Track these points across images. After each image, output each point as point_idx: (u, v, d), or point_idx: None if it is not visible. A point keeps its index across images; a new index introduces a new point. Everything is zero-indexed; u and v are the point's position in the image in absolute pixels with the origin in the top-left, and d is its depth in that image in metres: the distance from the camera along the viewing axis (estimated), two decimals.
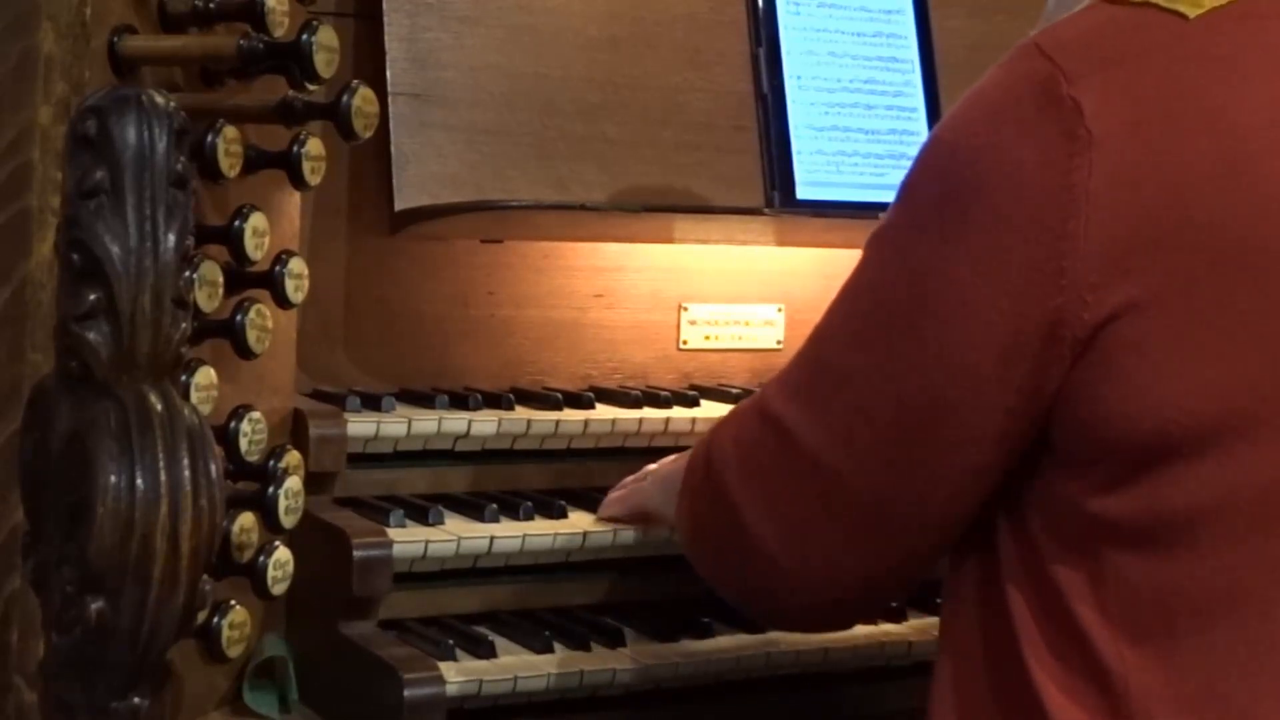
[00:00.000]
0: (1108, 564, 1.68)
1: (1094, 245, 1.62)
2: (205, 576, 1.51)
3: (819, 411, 1.78)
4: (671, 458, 2.23)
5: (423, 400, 2.33)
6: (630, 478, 2.29)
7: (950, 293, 1.68)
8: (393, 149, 2.29)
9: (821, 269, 2.69)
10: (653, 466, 2.27)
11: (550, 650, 2.14)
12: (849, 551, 1.79)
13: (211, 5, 1.95)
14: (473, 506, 2.25)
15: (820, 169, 2.59)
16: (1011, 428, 1.69)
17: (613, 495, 2.27)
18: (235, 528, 1.97)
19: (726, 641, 2.24)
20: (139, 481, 1.44)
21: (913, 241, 1.73)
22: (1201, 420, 1.64)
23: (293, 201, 2.14)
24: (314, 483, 2.13)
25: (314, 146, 2.01)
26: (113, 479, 1.44)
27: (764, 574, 1.84)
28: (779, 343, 2.70)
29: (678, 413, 2.42)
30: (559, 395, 2.40)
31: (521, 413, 2.34)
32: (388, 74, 2.30)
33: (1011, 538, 1.74)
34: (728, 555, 1.89)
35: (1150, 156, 1.63)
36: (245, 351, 1.96)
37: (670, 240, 2.60)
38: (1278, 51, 1.70)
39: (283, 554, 2.02)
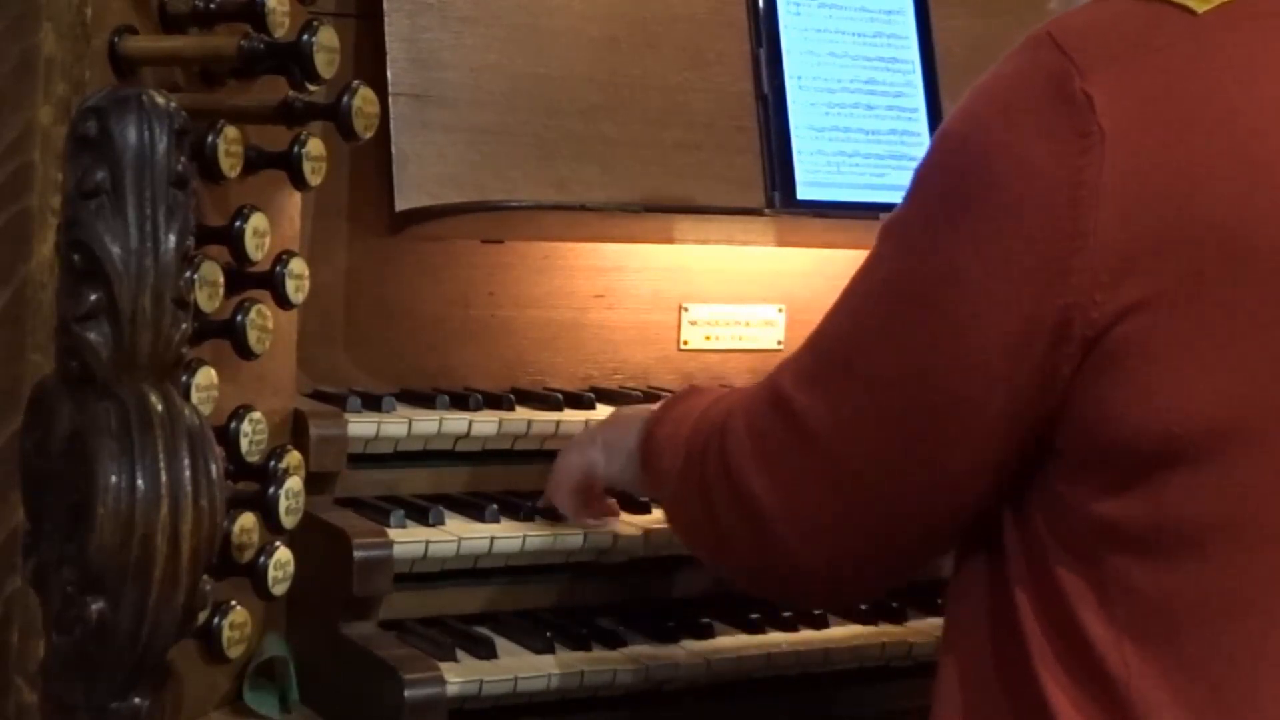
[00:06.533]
0: (1112, 569, 1.67)
1: (1105, 243, 1.60)
2: (206, 577, 1.51)
3: (829, 400, 1.77)
4: (592, 430, 2.22)
5: (423, 400, 2.33)
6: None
7: (961, 288, 1.66)
8: (393, 149, 2.29)
9: (822, 269, 2.69)
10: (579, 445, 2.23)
11: (551, 650, 2.14)
12: (862, 540, 1.79)
13: (212, 5, 1.95)
14: (473, 507, 2.25)
15: (821, 169, 2.59)
16: (1017, 425, 1.68)
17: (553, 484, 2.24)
18: (236, 528, 1.97)
19: (726, 641, 2.24)
20: (139, 482, 1.44)
21: (924, 236, 1.71)
22: (1208, 425, 1.62)
23: (293, 202, 2.14)
24: (314, 483, 2.13)
25: (314, 147, 2.01)
26: (113, 479, 1.44)
27: (776, 559, 1.83)
28: (779, 343, 2.70)
29: None
30: (560, 396, 2.40)
31: (522, 413, 2.34)
32: (388, 74, 2.30)
33: (1018, 539, 1.74)
34: (739, 538, 1.86)
35: (1162, 154, 1.61)
36: (246, 352, 1.96)
37: (671, 240, 2.60)
38: None
39: (283, 554, 2.02)
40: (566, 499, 2.23)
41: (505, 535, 2.18)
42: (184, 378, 1.85)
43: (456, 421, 2.27)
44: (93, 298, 1.46)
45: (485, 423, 2.29)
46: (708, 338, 2.67)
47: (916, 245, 1.72)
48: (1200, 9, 1.66)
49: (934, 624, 2.26)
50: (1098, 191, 1.60)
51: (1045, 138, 1.62)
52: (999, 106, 1.68)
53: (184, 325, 1.50)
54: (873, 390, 1.73)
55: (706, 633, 2.24)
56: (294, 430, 2.17)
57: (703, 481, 1.90)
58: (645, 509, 2.31)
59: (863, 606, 2.35)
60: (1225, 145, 1.62)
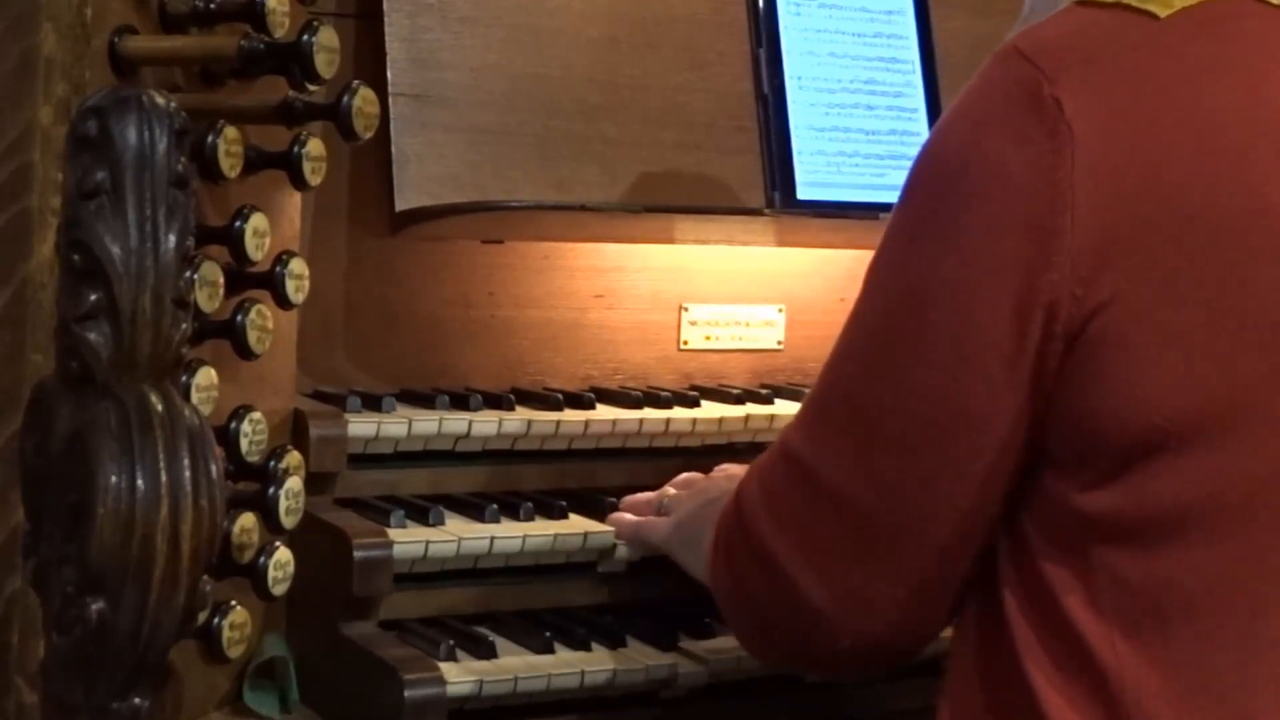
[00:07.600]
0: (1097, 560, 1.69)
1: (1080, 239, 1.63)
2: (206, 577, 1.51)
3: (835, 444, 1.78)
4: (694, 493, 2.18)
5: (423, 401, 2.33)
6: (646, 495, 2.25)
7: (951, 302, 1.69)
8: (393, 149, 2.29)
9: (822, 269, 2.69)
10: (671, 490, 2.23)
11: (550, 651, 2.14)
12: (889, 583, 1.77)
13: (212, 5, 1.95)
14: (473, 507, 2.25)
15: (821, 169, 2.59)
16: (1022, 427, 1.69)
17: (627, 520, 2.23)
18: (236, 528, 1.97)
19: (726, 641, 2.24)
20: (139, 482, 1.45)
21: (909, 257, 1.74)
22: (1188, 414, 1.65)
23: (293, 202, 2.14)
24: (314, 483, 2.13)
25: (314, 147, 2.01)
26: (113, 479, 1.44)
27: (809, 622, 1.81)
28: (779, 343, 2.70)
29: (678, 413, 2.42)
30: (560, 396, 2.40)
31: (522, 413, 2.34)
32: (388, 74, 2.30)
33: (1004, 536, 1.75)
34: (771, 609, 1.86)
35: (1130, 151, 1.65)
36: (246, 352, 1.96)
37: (671, 241, 2.60)
38: (1250, 49, 1.72)
39: (283, 554, 2.02)
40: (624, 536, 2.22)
41: (505, 535, 2.18)
42: (184, 378, 1.85)
43: (456, 422, 2.27)
44: (93, 298, 1.46)
45: (485, 423, 2.29)
46: (708, 338, 2.67)
47: (904, 268, 1.74)
48: (1162, 14, 1.71)
49: None
50: (1070, 190, 1.64)
51: (1018, 145, 1.66)
52: (972, 121, 1.72)
53: (184, 325, 1.50)
54: (878, 422, 1.74)
55: (706, 633, 2.24)
56: (294, 430, 2.17)
57: (729, 554, 1.89)
58: None
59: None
60: (1191, 141, 1.66)
